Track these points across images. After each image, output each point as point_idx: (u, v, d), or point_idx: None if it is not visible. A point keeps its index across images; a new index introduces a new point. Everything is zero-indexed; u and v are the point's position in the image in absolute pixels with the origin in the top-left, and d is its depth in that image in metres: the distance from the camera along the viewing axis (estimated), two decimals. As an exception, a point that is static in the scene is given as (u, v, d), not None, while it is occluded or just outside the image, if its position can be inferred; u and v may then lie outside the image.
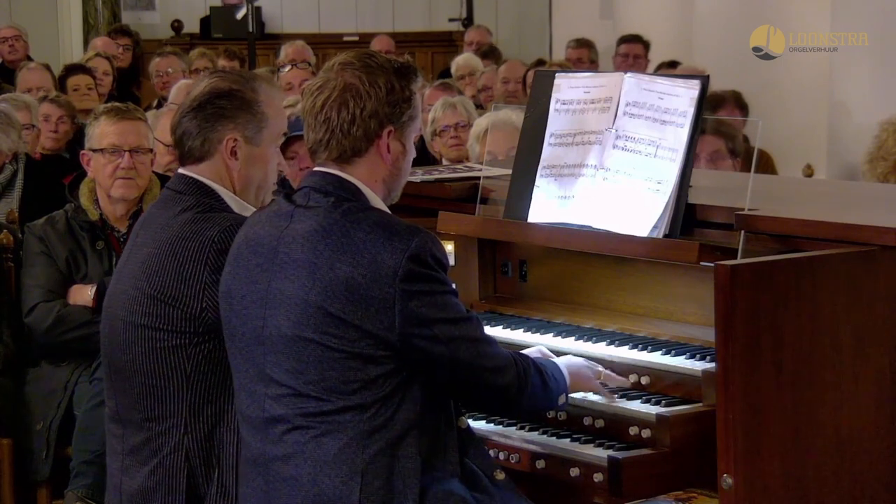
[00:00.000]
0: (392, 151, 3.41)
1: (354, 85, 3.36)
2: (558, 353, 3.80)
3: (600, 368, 3.74)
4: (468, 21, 14.96)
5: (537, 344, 3.88)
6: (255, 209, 3.78)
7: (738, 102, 7.58)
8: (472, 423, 3.65)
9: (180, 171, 3.84)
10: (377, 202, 3.41)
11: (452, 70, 10.91)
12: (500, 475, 3.48)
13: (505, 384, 3.41)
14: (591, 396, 3.71)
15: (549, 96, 4.13)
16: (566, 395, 3.60)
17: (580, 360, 3.74)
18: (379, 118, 3.37)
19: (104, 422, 3.89)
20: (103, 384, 3.95)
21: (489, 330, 3.99)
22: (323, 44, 14.60)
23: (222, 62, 10.77)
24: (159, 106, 8.76)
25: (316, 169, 3.43)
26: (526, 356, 3.55)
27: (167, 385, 3.66)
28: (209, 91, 3.77)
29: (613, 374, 3.75)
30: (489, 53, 11.68)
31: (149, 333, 3.67)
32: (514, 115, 6.04)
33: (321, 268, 3.27)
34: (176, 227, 3.69)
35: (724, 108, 7.40)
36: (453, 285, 3.37)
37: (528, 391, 3.45)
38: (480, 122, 6.42)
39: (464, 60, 10.94)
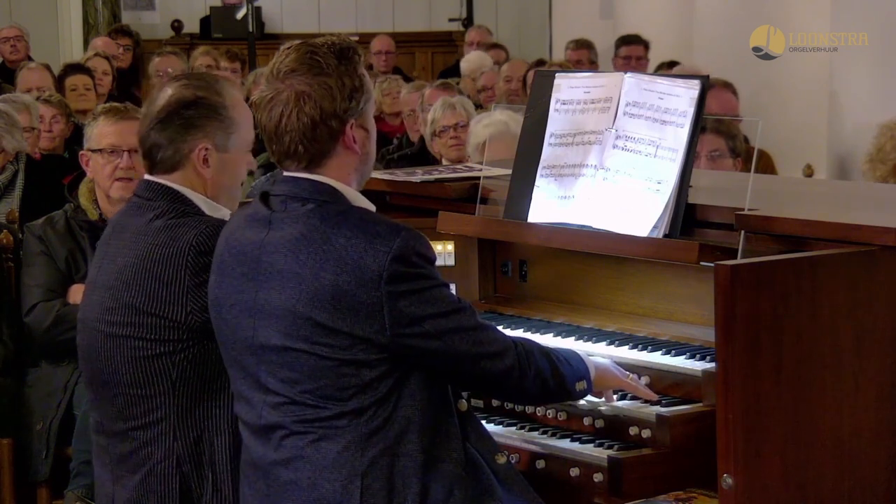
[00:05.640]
0: (358, 140, 3.37)
1: (305, 92, 3.30)
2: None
3: (629, 375, 3.70)
4: (468, 21, 14.98)
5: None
6: (227, 210, 3.76)
7: (723, 83, 7.56)
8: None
9: (146, 177, 3.79)
10: (355, 197, 3.37)
11: (463, 67, 10.90)
12: (502, 458, 3.46)
13: (505, 368, 3.38)
14: (591, 397, 3.70)
15: (549, 96, 4.13)
16: (587, 382, 3.55)
17: (607, 360, 3.70)
18: (339, 116, 3.33)
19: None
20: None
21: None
22: (323, 44, 14.58)
23: (223, 64, 10.76)
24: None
25: (287, 175, 3.38)
26: (531, 341, 3.52)
27: (153, 393, 3.63)
28: (175, 101, 3.71)
29: (641, 383, 3.71)
30: (493, 46, 11.78)
31: (131, 343, 3.64)
32: (513, 123, 6.01)
33: (306, 278, 3.25)
34: (150, 234, 3.66)
35: (713, 89, 7.33)
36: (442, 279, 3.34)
37: (533, 373, 3.42)
38: (479, 132, 6.36)
39: (476, 57, 10.96)
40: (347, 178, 3.38)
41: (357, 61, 3.38)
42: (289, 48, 3.38)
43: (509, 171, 4.23)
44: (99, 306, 3.72)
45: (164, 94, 3.75)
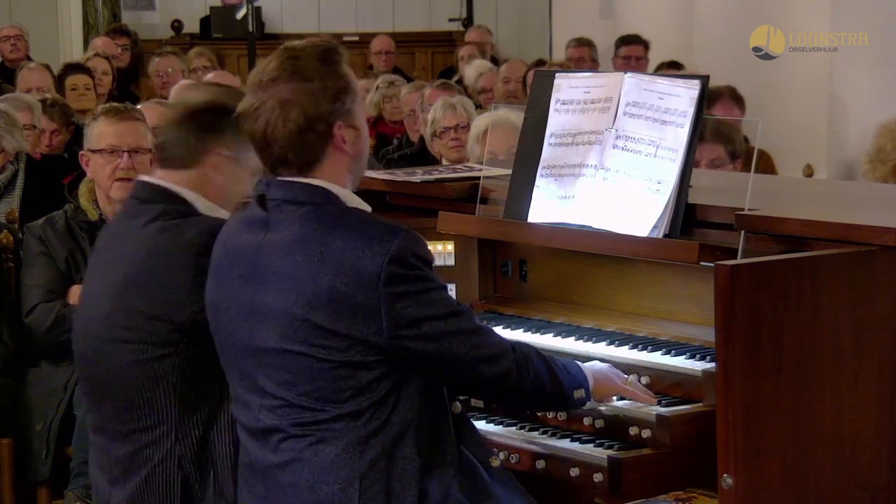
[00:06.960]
0: (348, 141, 3.36)
1: (289, 99, 3.29)
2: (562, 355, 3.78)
3: (628, 378, 3.70)
4: (468, 21, 14.97)
5: (538, 344, 3.86)
6: (224, 211, 3.72)
7: (733, 95, 7.56)
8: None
9: (142, 178, 3.77)
10: (350, 198, 3.37)
11: (469, 74, 10.79)
12: (496, 462, 3.47)
13: (503, 371, 3.37)
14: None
15: (549, 96, 4.13)
16: (585, 391, 3.55)
17: (605, 365, 3.70)
18: (325, 119, 3.32)
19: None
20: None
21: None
22: (323, 44, 14.55)
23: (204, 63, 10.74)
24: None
25: (280, 179, 3.36)
26: (529, 346, 3.52)
27: (154, 396, 3.61)
28: (203, 103, 3.71)
29: (640, 385, 3.71)
30: (468, 44, 11.81)
31: (133, 347, 3.61)
32: (514, 115, 6.05)
33: (303, 280, 3.24)
34: (147, 238, 3.63)
35: (719, 102, 7.36)
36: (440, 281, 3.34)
37: (531, 377, 3.41)
38: (479, 123, 6.41)
39: (480, 65, 10.88)
40: (341, 179, 3.37)
41: (340, 62, 3.36)
42: (270, 56, 3.37)
43: (509, 171, 4.23)
44: (98, 310, 3.69)
45: (195, 96, 3.77)
